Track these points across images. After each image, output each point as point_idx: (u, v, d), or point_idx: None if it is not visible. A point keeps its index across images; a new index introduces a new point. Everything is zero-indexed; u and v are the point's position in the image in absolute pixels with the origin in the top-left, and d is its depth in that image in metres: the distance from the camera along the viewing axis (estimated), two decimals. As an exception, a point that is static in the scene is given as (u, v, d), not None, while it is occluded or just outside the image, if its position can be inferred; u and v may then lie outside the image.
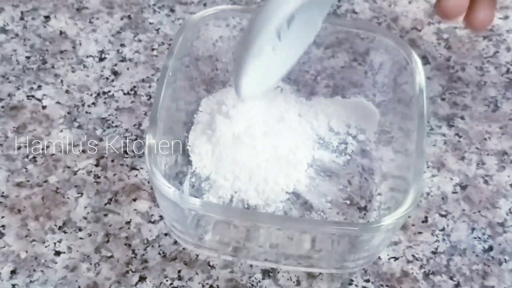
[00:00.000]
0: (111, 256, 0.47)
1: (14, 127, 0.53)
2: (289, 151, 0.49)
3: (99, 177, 0.51)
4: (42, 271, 0.47)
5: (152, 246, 0.48)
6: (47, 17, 0.60)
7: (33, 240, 0.48)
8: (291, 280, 0.47)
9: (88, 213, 0.49)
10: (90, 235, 0.48)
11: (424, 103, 0.45)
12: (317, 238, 0.44)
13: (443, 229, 0.50)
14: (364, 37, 0.51)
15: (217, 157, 0.49)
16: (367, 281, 0.47)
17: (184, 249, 0.48)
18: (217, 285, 0.46)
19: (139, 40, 0.58)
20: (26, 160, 0.51)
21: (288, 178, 0.48)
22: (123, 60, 0.57)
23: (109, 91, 0.55)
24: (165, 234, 0.48)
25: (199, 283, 0.46)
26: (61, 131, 0.53)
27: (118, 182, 0.50)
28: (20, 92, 0.55)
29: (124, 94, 0.55)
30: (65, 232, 0.48)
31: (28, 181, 0.50)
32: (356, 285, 0.47)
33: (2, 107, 0.54)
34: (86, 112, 0.54)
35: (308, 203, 0.48)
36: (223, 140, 0.49)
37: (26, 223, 0.48)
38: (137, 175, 0.51)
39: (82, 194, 0.50)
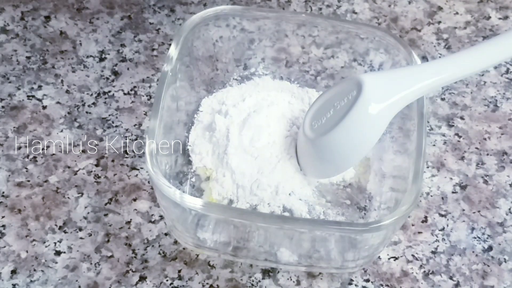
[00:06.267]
0: (111, 256, 0.47)
1: (14, 127, 0.53)
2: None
3: (99, 177, 0.51)
4: (42, 271, 0.47)
5: (152, 246, 0.48)
6: (47, 17, 0.60)
7: (34, 240, 0.48)
8: (291, 280, 0.47)
9: (88, 213, 0.49)
10: (90, 235, 0.48)
11: (424, 103, 0.46)
12: (317, 238, 0.44)
13: (442, 229, 0.50)
14: (364, 37, 0.51)
15: (217, 156, 0.49)
16: (367, 280, 0.47)
17: (184, 249, 0.48)
18: (217, 285, 0.47)
19: (139, 40, 0.59)
20: (27, 160, 0.51)
21: (288, 177, 0.48)
22: (123, 60, 0.57)
23: (109, 91, 0.55)
24: (165, 234, 0.48)
25: (199, 283, 0.47)
26: (62, 131, 0.53)
27: (118, 182, 0.51)
28: (21, 92, 0.55)
29: (124, 94, 0.55)
30: (65, 232, 0.48)
31: (29, 181, 0.50)
32: (356, 285, 0.47)
33: (3, 107, 0.54)
34: (87, 112, 0.54)
35: (308, 202, 0.48)
36: (223, 140, 0.49)
37: (27, 223, 0.49)
38: (137, 175, 0.51)
39: (82, 194, 0.50)
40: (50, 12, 0.60)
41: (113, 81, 0.56)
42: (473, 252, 0.49)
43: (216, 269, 0.47)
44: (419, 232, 0.49)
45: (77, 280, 0.46)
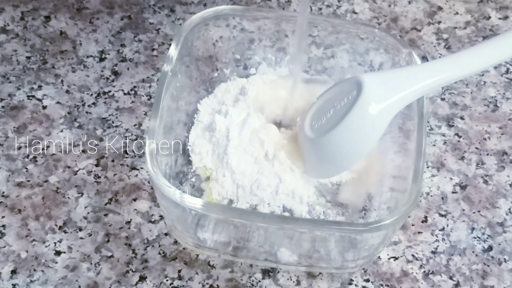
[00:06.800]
0: (111, 256, 0.47)
1: (14, 127, 0.53)
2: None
3: (99, 177, 0.51)
4: (42, 271, 0.47)
5: (152, 246, 0.48)
6: (47, 17, 0.60)
7: (34, 240, 0.48)
8: (291, 280, 0.47)
9: (88, 213, 0.49)
10: (90, 235, 0.48)
11: (424, 103, 0.46)
12: (317, 238, 0.44)
13: (442, 229, 0.50)
14: (364, 37, 0.51)
15: (217, 156, 0.49)
16: (367, 280, 0.47)
17: (184, 248, 0.48)
18: (217, 285, 0.47)
19: (139, 40, 0.59)
20: (27, 160, 0.51)
21: (288, 178, 0.48)
22: (123, 60, 0.57)
23: (110, 91, 0.55)
24: (165, 234, 0.48)
25: (199, 283, 0.47)
26: (62, 131, 0.53)
27: (118, 182, 0.51)
28: (21, 92, 0.55)
29: (124, 94, 0.55)
30: (65, 232, 0.48)
31: (29, 181, 0.50)
32: (356, 285, 0.47)
33: (3, 107, 0.54)
34: (87, 112, 0.54)
35: (308, 203, 0.48)
36: (223, 140, 0.49)
37: (27, 223, 0.49)
38: (137, 175, 0.51)
39: (82, 194, 0.50)
40: (50, 12, 0.60)
41: (113, 81, 0.56)
42: (473, 252, 0.49)
43: (216, 269, 0.47)
44: (419, 232, 0.49)
45: (77, 280, 0.46)
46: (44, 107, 0.54)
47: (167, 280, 0.47)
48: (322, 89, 0.49)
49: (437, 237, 0.49)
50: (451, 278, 0.48)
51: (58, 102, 0.55)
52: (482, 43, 0.47)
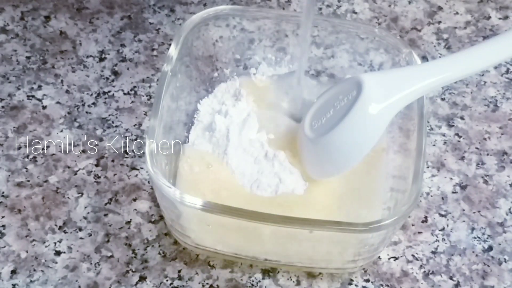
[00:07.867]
0: (111, 256, 0.47)
1: (14, 127, 0.53)
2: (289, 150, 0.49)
3: (99, 177, 0.51)
4: (42, 271, 0.47)
5: (152, 246, 0.48)
6: (47, 17, 0.60)
7: (34, 240, 0.48)
8: (291, 280, 0.47)
9: (88, 213, 0.49)
10: (90, 235, 0.48)
11: (424, 103, 0.46)
12: (317, 238, 0.44)
13: (443, 229, 0.50)
14: (364, 37, 0.51)
15: (217, 156, 0.49)
16: (367, 280, 0.47)
17: (184, 248, 0.48)
18: (217, 285, 0.47)
19: (139, 40, 0.58)
20: (27, 160, 0.51)
21: (288, 178, 0.48)
22: (123, 60, 0.57)
23: (109, 91, 0.55)
24: (165, 234, 0.48)
25: (199, 283, 0.47)
26: (61, 131, 0.53)
27: (118, 182, 0.51)
28: (20, 92, 0.55)
29: (124, 94, 0.55)
30: (65, 232, 0.48)
31: (29, 181, 0.50)
32: (356, 285, 0.47)
33: (3, 107, 0.54)
34: (86, 112, 0.54)
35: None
36: (223, 140, 0.49)
37: (27, 223, 0.49)
38: (137, 175, 0.51)
39: (82, 194, 0.50)
40: (50, 12, 0.60)
41: (113, 81, 0.56)
42: (473, 252, 0.49)
43: (216, 269, 0.47)
44: (419, 232, 0.49)
45: (77, 280, 0.46)
46: (44, 107, 0.54)
47: (167, 280, 0.47)
48: (322, 89, 0.49)
49: (437, 237, 0.49)
50: (451, 278, 0.48)
51: (58, 102, 0.55)
52: (482, 43, 0.47)
